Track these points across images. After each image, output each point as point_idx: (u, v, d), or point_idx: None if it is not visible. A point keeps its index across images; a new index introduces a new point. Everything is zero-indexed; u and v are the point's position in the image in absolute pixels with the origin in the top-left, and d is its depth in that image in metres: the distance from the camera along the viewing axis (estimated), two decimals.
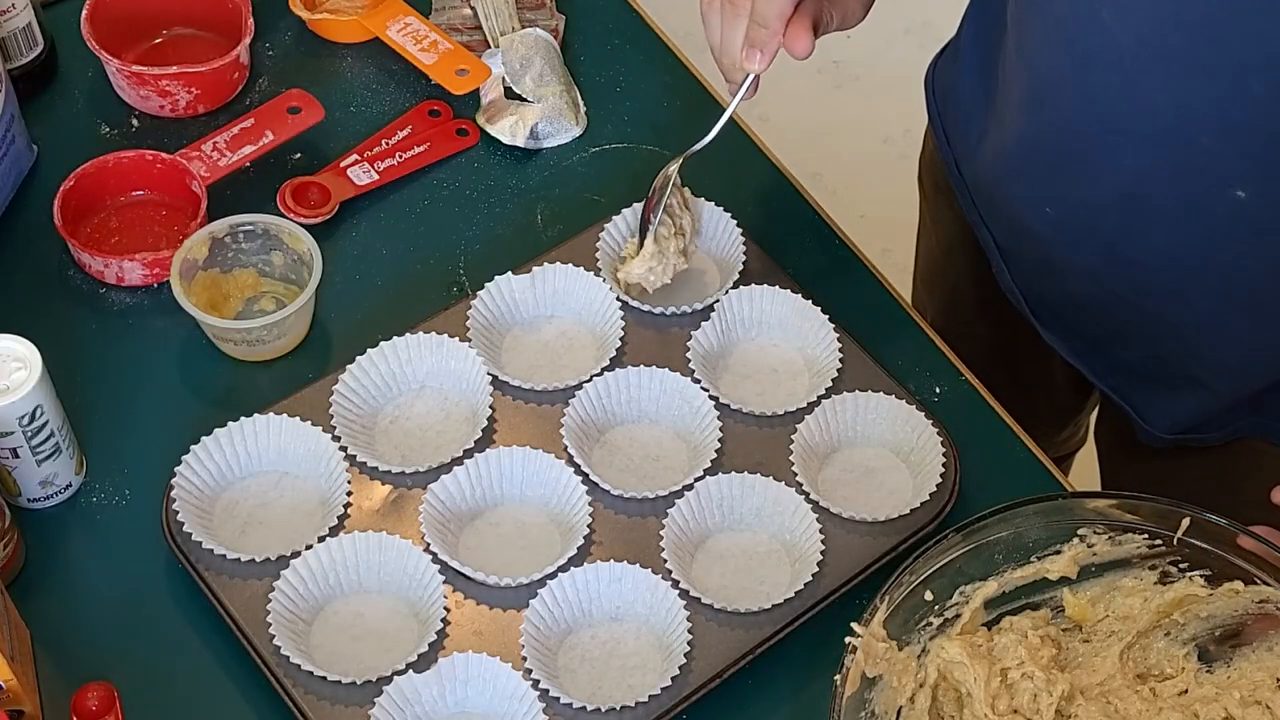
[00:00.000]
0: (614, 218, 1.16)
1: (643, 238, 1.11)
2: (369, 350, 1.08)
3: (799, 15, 1.02)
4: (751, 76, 1.06)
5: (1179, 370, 1.12)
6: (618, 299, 1.12)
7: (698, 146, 1.10)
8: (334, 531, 1.01)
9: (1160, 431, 1.17)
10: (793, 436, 1.07)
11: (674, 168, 1.11)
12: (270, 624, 0.97)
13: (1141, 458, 1.21)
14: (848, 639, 0.92)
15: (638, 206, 1.15)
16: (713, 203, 1.17)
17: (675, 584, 1.00)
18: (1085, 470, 1.62)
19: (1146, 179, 0.98)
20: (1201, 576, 0.98)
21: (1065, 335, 1.19)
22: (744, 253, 1.16)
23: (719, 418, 1.08)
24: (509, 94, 1.27)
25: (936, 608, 0.97)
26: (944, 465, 1.06)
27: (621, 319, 1.12)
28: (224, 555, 0.99)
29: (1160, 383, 1.15)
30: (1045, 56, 1.00)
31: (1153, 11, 0.91)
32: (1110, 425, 1.36)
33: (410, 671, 0.95)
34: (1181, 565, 0.98)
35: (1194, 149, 0.94)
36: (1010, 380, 1.19)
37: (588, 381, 1.09)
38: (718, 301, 1.13)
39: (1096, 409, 1.43)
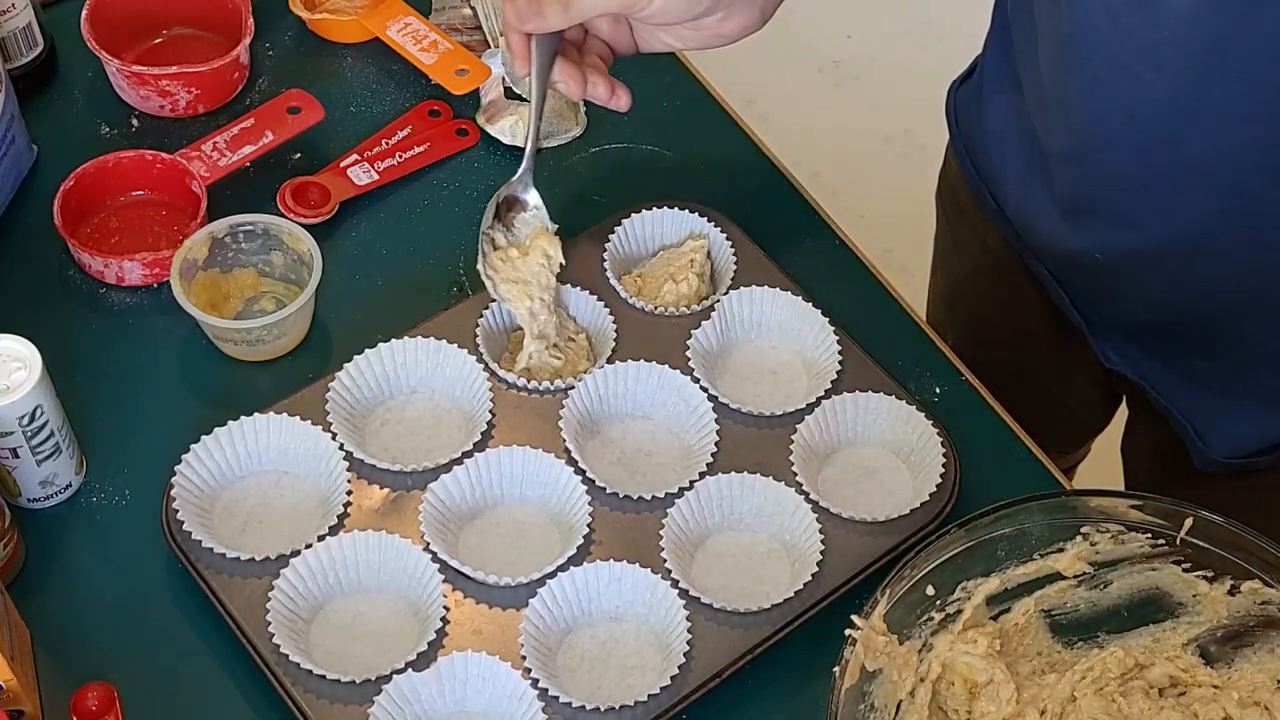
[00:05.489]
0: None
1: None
2: (366, 350, 1.08)
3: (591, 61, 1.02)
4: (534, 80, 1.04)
5: (1260, 382, 1.09)
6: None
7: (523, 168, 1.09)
8: (334, 531, 1.01)
9: (1218, 455, 1.14)
10: (792, 437, 1.07)
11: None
12: (270, 623, 0.96)
13: (1179, 482, 1.17)
14: (848, 631, 0.92)
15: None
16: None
17: (675, 584, 1.00)
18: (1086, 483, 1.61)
19: (1198, 223, 0.97)
20: (1203, 577, 0.98)
21: (1131, 358, 1.17)
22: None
23: (718, 418, 1.08)
24: (509, 94, 1.27)
25: (938, 603, 0.97)
26: (944, 465, 1.06)
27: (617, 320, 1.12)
28: (224, 555, 0.99)
29: (1233, 399, 1.12)
30: (1086, 114, 0.98)
31: (1191, 64, 0.89)
32: (1147, 448, 1.30)
33: (410, 670, 0.95)
34: (1184, 565, 0.98)
35: (1244, 192, 0.94)
36: (1029, 403, 1.16)
37: (587, 375, 1.08)
38: (718, 302, 1.13)
39: (1122, 430, 1.37)
